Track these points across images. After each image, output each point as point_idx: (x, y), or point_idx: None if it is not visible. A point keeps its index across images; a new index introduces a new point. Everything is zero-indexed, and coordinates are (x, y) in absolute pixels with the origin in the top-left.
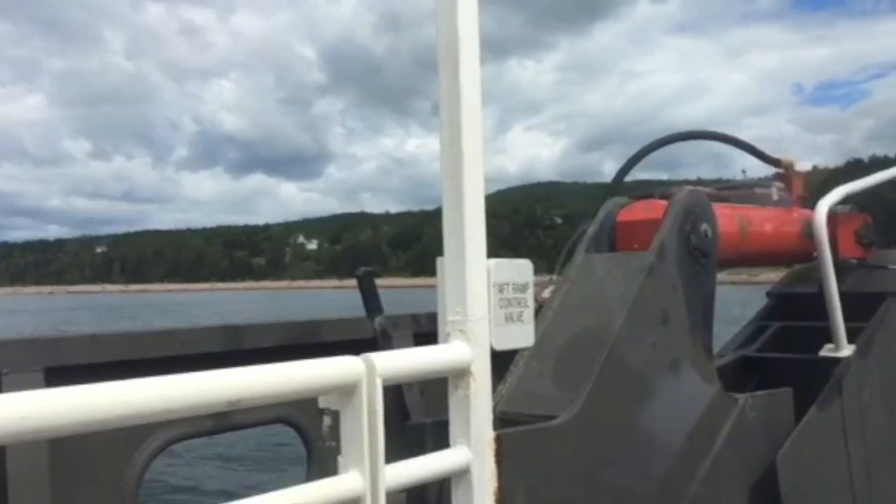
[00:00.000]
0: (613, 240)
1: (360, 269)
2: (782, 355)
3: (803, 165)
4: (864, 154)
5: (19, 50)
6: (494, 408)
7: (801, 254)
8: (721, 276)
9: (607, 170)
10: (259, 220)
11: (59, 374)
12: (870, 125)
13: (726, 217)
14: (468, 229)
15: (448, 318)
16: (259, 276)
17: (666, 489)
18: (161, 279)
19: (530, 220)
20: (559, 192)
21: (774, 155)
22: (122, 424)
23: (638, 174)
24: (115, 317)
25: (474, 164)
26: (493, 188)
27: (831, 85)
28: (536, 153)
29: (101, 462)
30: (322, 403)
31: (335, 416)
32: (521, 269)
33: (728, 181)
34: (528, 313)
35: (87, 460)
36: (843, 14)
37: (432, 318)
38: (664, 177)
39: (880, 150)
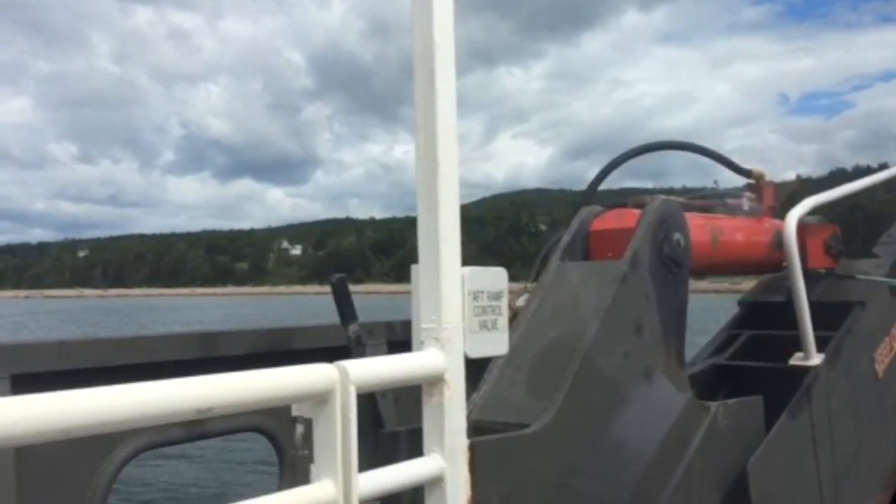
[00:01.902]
0: (587, 248)
1: (333, 276)
2: (753, 364)
3: (787, 175)
4: (848, 164)
5: (4, 52)
6: (468, 416)
7: (771, 263)
8: (703, 283)
9: (592, 178)
10: (245, 225)
11: (27, 382)
12: (852, 135)
13: (698, 227)
14: (443, 237)
15: (422, 325)
16: (241, 281)
17: (639, 497)
18: (142, 284)
19: (515, 227)
20: (545, 200)
21: (760, 165)
22: (89, 433)
23: (624, 182)
24: (76, 322)
25: (449, 171)
26: (479, 195)
27: (815, 95)
28: (523, 161)
29: (69, 471)
30: (295, 411)
31: (308, 423)
32: (495, 276)
33: (702, 190)
34: (503, 321)
35: (55, 469)
36: (827, 26)
37: (407, 325)
38: (650, 185)
39: (863, 160)
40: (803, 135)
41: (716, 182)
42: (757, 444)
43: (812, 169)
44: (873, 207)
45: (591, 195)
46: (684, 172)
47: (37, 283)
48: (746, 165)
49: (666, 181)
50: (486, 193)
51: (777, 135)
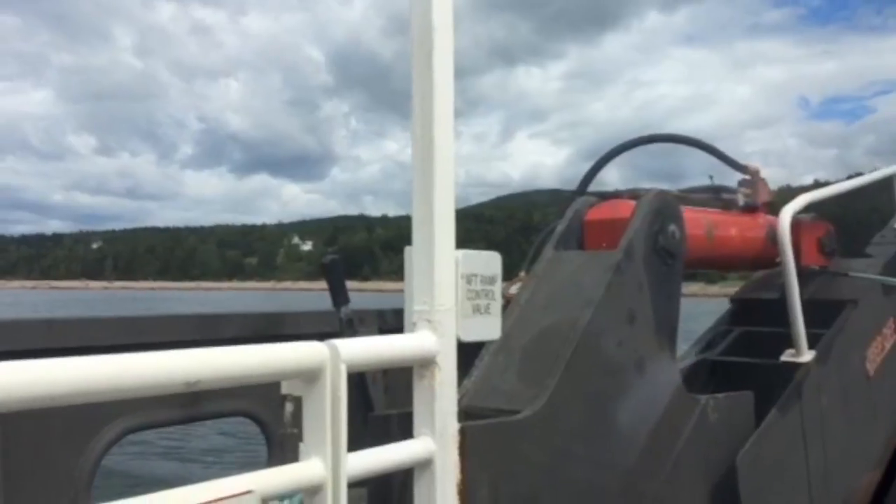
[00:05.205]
0: (582, 238)
1: (326, 257)
2: (744, 359)
3: (805, 179)
4: (867, 169)
5: (27, 44)
6: (459, 402)
7: (764, 259)
8: (715, 288)
9: (610, 179)
10: (261, 220)
11: (14, 359)
12: (873, 140)
13: (694, 220)
14: (437, 219)
15: (414, 307)
16: (249, 276)
17: (628, 486)
18: (152, 277)
19: (526, 226)
20: (560, 200)
21: (779, 169)
22: (75, 402)
23: (641, 183)
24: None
25: (445, 153)
26: (495, 194)
27: (836, 100)
28: (540, 160)
29: (55, 451)
30: (285, 389)
31: (297, 402)
32: (489, 260)
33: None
34: (496, 306)
35: (42, 448)
36: (850, 29)
37: (398, 314)
38: (666, 186)
39: (882, 165)
40: (823, 139)
41: (711, 178)
42: (746, 439)
43: (830, 173)
44: (889, 208)
45: (585, 188)
46: (702, 174)
47: (47, 273)
48: (766, 169)
49: (684, 183)
50: (502, 192)
51: (797, 139)
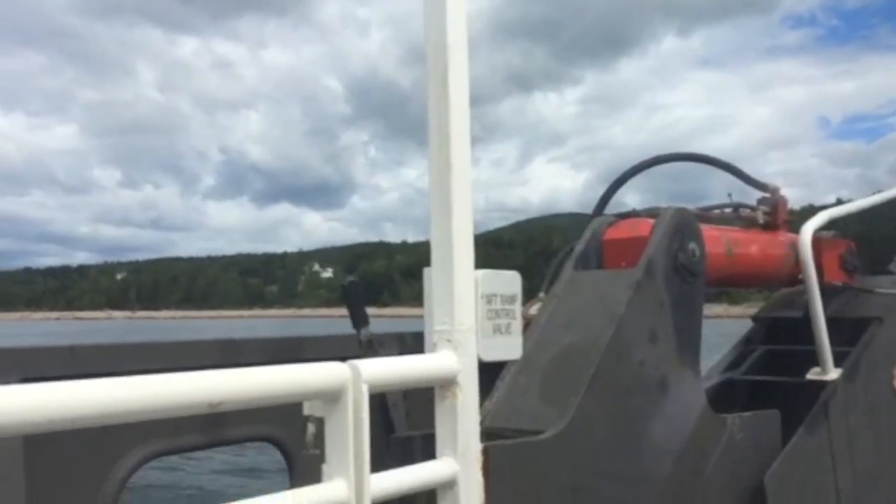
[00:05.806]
0: (601, 258)
1: (346, 280)
2: (769, 378)
3: (827, 198)
4: (890, 187)
5: (53, 81)
6: (481, 423)
7: (785, 277)
8: (738, 309)
9: (629, 202)
10: (282, 248)
11: None
12: (894, 159)
13: (713, 238)
14: (456, 239)
15: (435, 327)
16: (270, 304)
17: None
18: (175, 306)
19: (546, 251)
20: (579, 224)
21: (801, 188)
22: (99, 423)
23: (662, 204)
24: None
25: (462, 173)
26: (514, 219)
27: (857, 119)
28: (559, 185)
29: (79, 476)
30: (307, 410)
31: (320, 423)
32: (509, 280)
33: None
34: (516, 325)
35: (65, 473)
36: (869, 49)
37: (419, 337)
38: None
39: None
40: (845, 158)
41: (730, 195)
42: (773, 458)
43: (853, 192)
44: None
45: (603, 209)
46: (723, 195)
47: (72, 304)
48: (788, 188)
49: (704, 204)
50: (521, 217)
51: (818, 158)
